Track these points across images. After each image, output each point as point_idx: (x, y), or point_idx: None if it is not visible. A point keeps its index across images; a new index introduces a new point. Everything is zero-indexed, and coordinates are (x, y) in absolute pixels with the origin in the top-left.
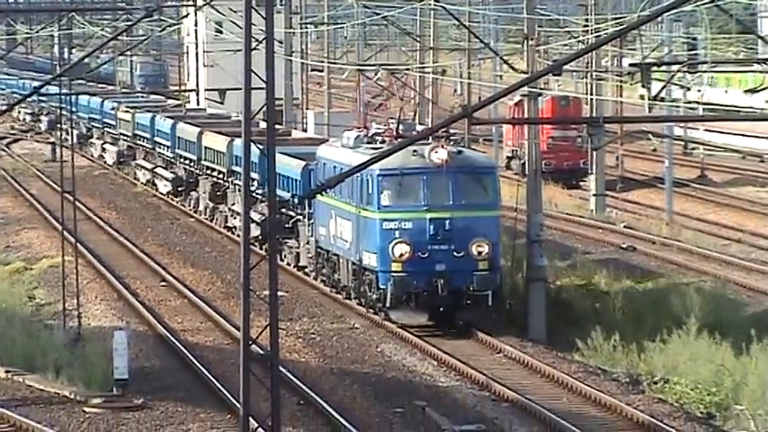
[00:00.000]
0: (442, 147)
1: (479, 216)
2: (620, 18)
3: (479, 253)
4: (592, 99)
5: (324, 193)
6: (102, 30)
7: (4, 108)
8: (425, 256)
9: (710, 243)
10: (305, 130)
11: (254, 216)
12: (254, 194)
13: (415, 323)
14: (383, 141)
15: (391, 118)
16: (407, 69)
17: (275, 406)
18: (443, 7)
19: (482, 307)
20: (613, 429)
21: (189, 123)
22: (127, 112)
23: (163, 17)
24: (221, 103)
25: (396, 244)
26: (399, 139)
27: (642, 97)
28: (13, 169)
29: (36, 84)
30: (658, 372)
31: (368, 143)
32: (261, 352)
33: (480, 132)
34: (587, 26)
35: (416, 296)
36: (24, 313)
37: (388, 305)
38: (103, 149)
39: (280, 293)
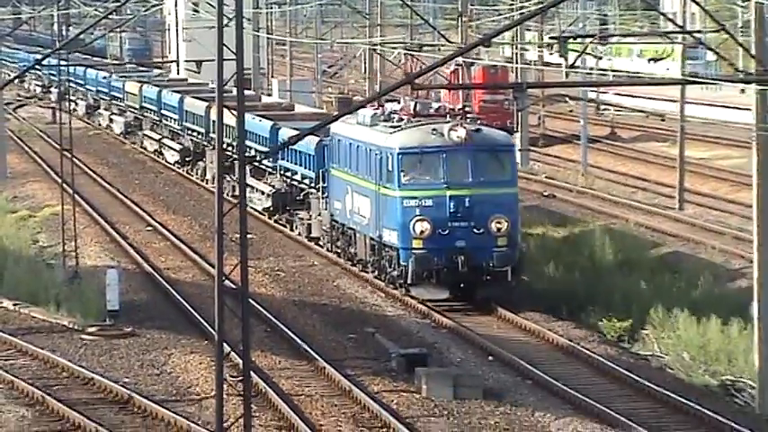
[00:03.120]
0: (461, 125)
1: (498, 193)
2: None
3: (498, 229)
4: (517, 67)
5: (340, 168)
6: (95, 9)
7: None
8: (446, 233)
9: (620, 191)
10: (270, 95)
11: (265, 188)
12: (262, 167)
13: (436, 299)
14: (400, 119)
15: (405, 96)
16: (420, 50)
17: (245, 333)
18: None
19: (502, 282)
20: (537, 351)
21: (196, 98)
22: (134, 85)
23: None
24: (198, 73)
25: (416, 221)
26: (416, 118)
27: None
28: (19, 130)
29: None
30: (576, 302)
31: (384, 121)
32: (233, 286)
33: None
34: (513, 4)
35: (437, 272)
36: (29, 254)
37: (409, 282)
38: (111, 120)
39: (249, 236)
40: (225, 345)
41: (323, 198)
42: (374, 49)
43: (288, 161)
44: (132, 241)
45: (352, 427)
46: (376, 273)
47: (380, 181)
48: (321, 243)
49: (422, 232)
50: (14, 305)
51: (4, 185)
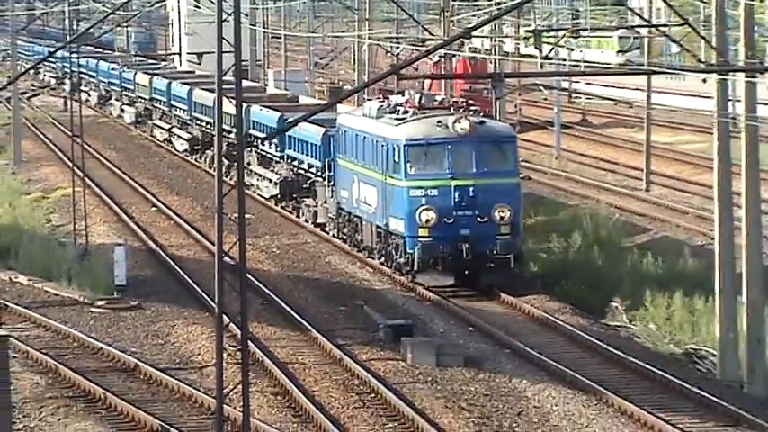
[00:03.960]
0: (466, 117)
1: (501, 183)
2: None
3: (502, 218)
4: (495, 59)
5: (346, 158)
6: (103, 5)
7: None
8: (451, 221)
9: (591, 173)
10: (266, 85)
11: (272, 176)
12: (269, 156)
13: (442, 285)
14: (406, 112)
15: (410, 89)
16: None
17: (243, 305)
18: None
19: (505, 270)
20: (514, 322)
21: (205, 89)
22: (145, 77)
23: None
24: (199, 64)
25: (422, 210)
26: (421, 110)
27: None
28: (33, 118)
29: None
30: (550, 276)
31: (390, 113)
32: (231, 262)
33: (408, 85)
34: (491, 1)
35: (442, 260)
36: (42, 233)
37: (415, 269)
38: (122, 110)
39: (246, 216)
40: (224, 316)
41: (329, 186)
42: (377, 43)
43: (295, 151)
44: (138, 221)
45: (343, 392)
46: (382, 259)
47: (387, 171)
48: (327, 229)
49: (428, 221)
50: (29, 280)
51: (19, 169)
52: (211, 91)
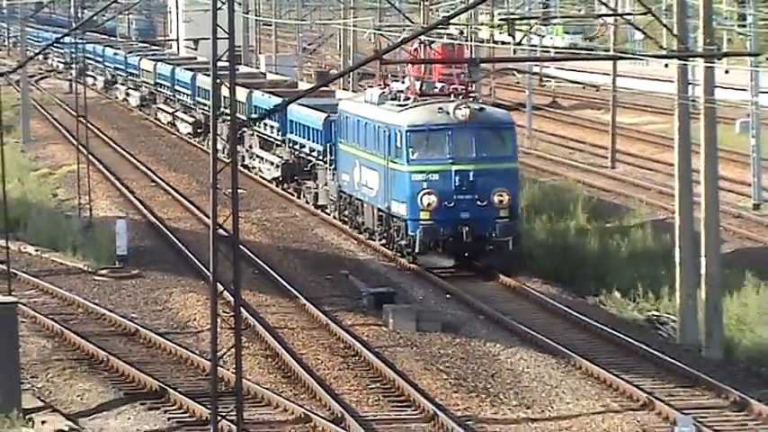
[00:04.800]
0: (466, 105)
1: (500, 168)
2: None
3: (500, 202)
4: (471, 45)
5: (347, 143)
6: None
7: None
8: (451, 205)
9: (560, 152)
10: (258, 68)
11: (274, 159)
12: (271, 139)
13: (442, 266)
14: (407, 98)
15: (403, 76)
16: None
17: (236, 274)
18: None
19: (504, 251)
20: (489, 290)
21: (207, 75)
22: (149, 63)
23: None
24: (195, 50)
25: (424, 194)
26: (422, 97)
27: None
28: (41, 99)
29: (68, 39)
30: (524, 247)
31: (392, 99)
32: (225, 234)
33: (389, 71)
34: None
35: (443, 242)
36: (49, 207)
37: (417, 251)
38: (127, 94)
39: (239, 191)
40: (219, 285)
41: (330, 170)
42: (378, 32)
43: (296, 135)
44: (138, 195)
45: (329, 355)
46: (384, 241)
47: (389, 156)
48: (328, 211)
49: (429, 204)
50: (36, 251)
51: (27, 147)
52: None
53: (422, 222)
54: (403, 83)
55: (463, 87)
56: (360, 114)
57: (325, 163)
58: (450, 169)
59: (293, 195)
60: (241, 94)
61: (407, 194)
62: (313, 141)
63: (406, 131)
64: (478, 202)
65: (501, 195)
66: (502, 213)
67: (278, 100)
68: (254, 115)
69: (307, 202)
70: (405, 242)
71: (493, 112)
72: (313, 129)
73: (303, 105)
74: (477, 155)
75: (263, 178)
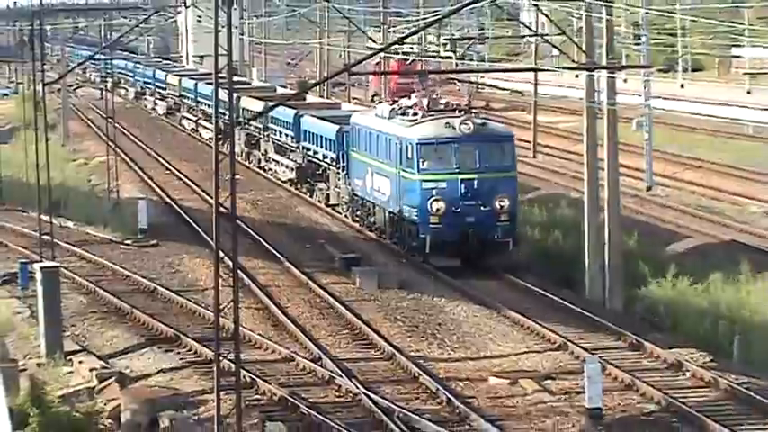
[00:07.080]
0: (470, 120)
1: (501, 177)
2: (439, 10)
3: (501, 207)
4: (422, 59)
5: (359, 152)
6: (129, 20)
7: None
8: (458, 210)
9: None
10: (251, 79)
11: (289, 163)
12: (285, 146)
13: (450, 265)
14: (415, 114)
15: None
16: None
17: (234, 243)
18: (334, 7)
19: (504, 252)
20: (475, 277)
21: (226, 89)
22: (174, 78)
23: (165, 13)
24: (201, 64)
25: (433, 201)
26: (429, 112)
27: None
28: (78, 104)
29: (99, 55)
30: None
31: (401, 115)
32: (225, 211)
33: (355, 80)
34: (418, 17)
35: (451, 243)
36: (85, 190)
37: (427, 251)
38: (155, 104)
39: (237, 177)
40: (220, 252)
41: (343, 174)
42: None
43: (310, 143)
44: (156, 181)
45: (309, 308)
46: (394, 240)
47: (401, 166)
48: (340, 210)
49: (438, 210)
50: (74, 225)
51: (66, 143)
52: (235, 91)
53: (431, 226)
54: (410, 99)
55: (467, 104)
56: (371, 127)
57: (338, 169)
58: (457, 178)
59: (306, 195)
60: (257, 105)
61: (418, 201)
62: (326, 149)
63: (417, 144)
64: (482, 208)
65: (502, 201)
66: (503, 218)
67: (293, 111)
68: (269, 125)
69: (319, 201)
70: (416, 243)
71: (494, 126)
72: (326, 138)
73: (317, 117)
74: (480, 165)
75: (279, 179)
